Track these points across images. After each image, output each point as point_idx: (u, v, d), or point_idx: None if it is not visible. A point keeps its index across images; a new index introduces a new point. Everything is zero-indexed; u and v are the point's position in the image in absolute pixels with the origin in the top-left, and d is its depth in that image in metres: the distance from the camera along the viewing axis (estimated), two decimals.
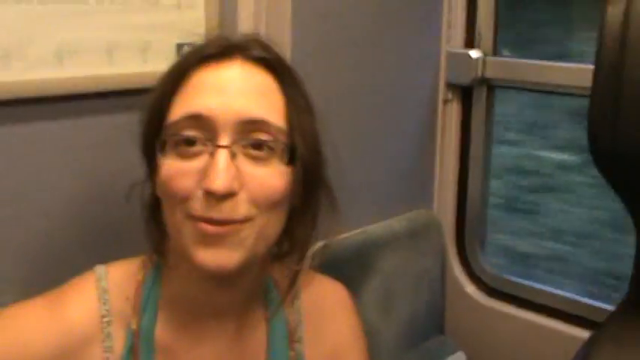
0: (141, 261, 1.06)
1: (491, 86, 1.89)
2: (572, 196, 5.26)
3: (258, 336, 1.10)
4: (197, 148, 0.92)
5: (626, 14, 0.98)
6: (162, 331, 1.04)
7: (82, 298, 1.02)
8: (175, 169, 0.92)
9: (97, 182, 1.28)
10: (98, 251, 1.16)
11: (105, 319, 1.02)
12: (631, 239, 1.11)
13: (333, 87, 1.62)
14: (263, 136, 0.93)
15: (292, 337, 1.13)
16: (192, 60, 0.97)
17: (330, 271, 1.21)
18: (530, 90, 1.91)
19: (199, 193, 0.91)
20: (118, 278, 1.05)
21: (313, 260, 1.07)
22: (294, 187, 0.97)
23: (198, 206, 0.91)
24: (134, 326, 1.03)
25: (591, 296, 1.80)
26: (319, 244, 1.08)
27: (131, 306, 1.03)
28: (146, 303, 1.04)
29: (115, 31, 1.25)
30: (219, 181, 0.89)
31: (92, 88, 1.24)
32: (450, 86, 1.92)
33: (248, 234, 0.93)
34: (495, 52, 1.88)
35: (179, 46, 1.32)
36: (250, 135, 0.93)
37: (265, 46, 1.00)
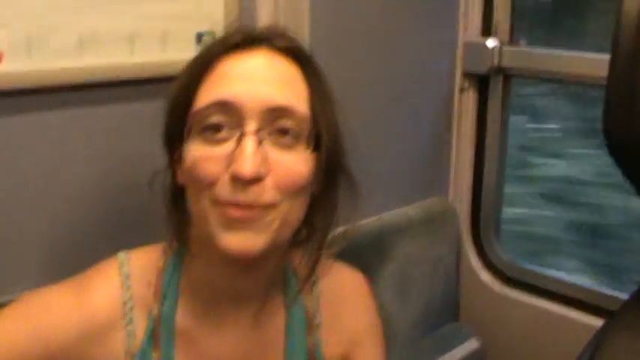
0: (162, 248, 1.08)
1: (507, 75, 1.89)
2: None
3: (277, 323, 1.12)
4: (223, 134, 0.94)
5: None
6: (182, 317, 1.06)
7: (105, 284, 1.04)
8: (202, 154, 0.94)
9: (118, 169, 1.30)
10: (119, 238, 1.18)
11: (127, 305, 1.04)
12: None
13: (351, 76, 1.63)
14: (288, 124, 0.95)
15: (310, 324, 1.14)
16: (218, 49, 0.98)
17: (347, 258, 1.22)
18: (546, 79, 1.91)
19: (226, 178, 0.92)
20: (140, 265, 1.06)
21: (332, 247, 1.08)
22: (317, 174, 0.99)
23: (224, 191, 0.92)
24: (155, 312, 1.04)
25: None
26: (338, 230, 1.09)
27: (152, 292, 1.05)
28: (167, 289, 1.06)
29: (136, 21, 1.26)
30: (248, 166, 0.90)
31: (113, 76, 1.26)
32: (467, 75, 1.92)
33: (273, 219, 0.94)
34: (512, 41, 1.88)
35: (199, 35, 1.33)
36: (276, 122, 0.94)
37: (288, 37, 1.02)
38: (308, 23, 1.48)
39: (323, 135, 0.98)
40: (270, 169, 0.93)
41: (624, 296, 1.58)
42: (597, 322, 1.64)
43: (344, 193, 1.06)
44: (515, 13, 1.88)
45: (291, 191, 0.95)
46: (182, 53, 1.04)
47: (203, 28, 1.33)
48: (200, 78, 0.98)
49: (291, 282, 1.14)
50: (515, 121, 2.80)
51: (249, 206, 0.92)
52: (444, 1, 1.87)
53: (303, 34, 1.45)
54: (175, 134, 0.99)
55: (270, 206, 0.94)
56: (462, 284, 2.02)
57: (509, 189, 2.06)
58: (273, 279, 1.08)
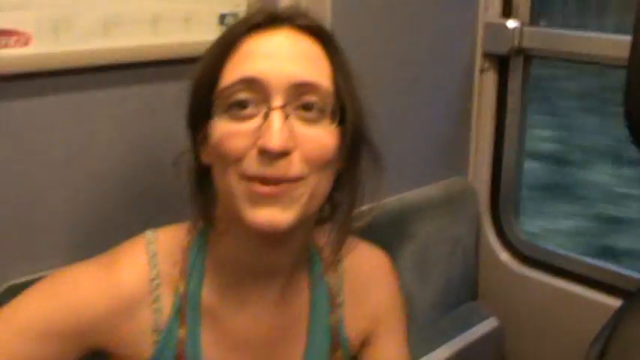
0: (187, 227, 1.10)
1: (527, 56, 1.89)
2: None
3: (300, 300, 1.14)
4: (250, 110, 0.95)
5: None
6: (207, 295, 1.08)
7: (133, 261, 1.06)
8: (229, 130, 0.96)
9: (143, 149, 1.32)
10: (144, 217, 1.20)
11: (154, 282, 1.05)
12: None
13: (372, 57, 1.64)
14: (313, 99, 0.96)
15: (334, 302, 1.16)
16: (241, 29, 1.00)
17: (368, 238, 1.23)
18: (566, 60, 1.91)
19: (253, 153, 0.94)
20: (167, 243, 1.08)
21: (355, 225, 1.10)
22: (342, 149, 1.00)
23: (252, 165, 0.94)
24: (181, 290, 1.06)
25: None
26: (362, 208, 1.10)
27: (179, 270, 1.07)
28: (192, 267, 1.07)
29: (159, 3, 1.28)
30: (276, 140, 0.92)
31: (137, 58, 1.27)
32: (487, 56, 1.92)
33: (302, 193, 0.96)
34: (532, 21, 1.87)
35: (222, 17, 1.34)
36: (301, 98, 0.96)
37: (309, 16, 1.03)
38: (330, 5, 1.49)
39: (347, 109, 1.00)
40: (297, 143, 0.95)
41: None
42: (615, 303, 1.66)
43: (368, 170, 1.07)
44: None
45: (318, 164, 0.97)
46: (205, 34, 1.05)
47: (226, 9, 1.35)
48: (224, 57, 0.99)
49: (315, 260, 1.15)
50: None
51: (276, 182, 0.94)
52: None
53: (325, 16, 1.46)
54: (200, 113, 1.00)
55: (298, 180, 0.95)
56: (480, 264, 2.03)
57: None
58: (298, 256, 1.10)
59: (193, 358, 1.07)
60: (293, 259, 1.09)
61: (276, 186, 0.94)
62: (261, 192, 0.94)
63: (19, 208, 1.20)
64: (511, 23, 1.85)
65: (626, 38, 1.17)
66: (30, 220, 1.22)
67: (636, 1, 1.08)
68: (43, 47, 1.16)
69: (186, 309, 1.07)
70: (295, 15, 1.02)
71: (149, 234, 1.09)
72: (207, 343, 1.08)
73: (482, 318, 1.93)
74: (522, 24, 1.85)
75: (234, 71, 0.97)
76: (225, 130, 0.96)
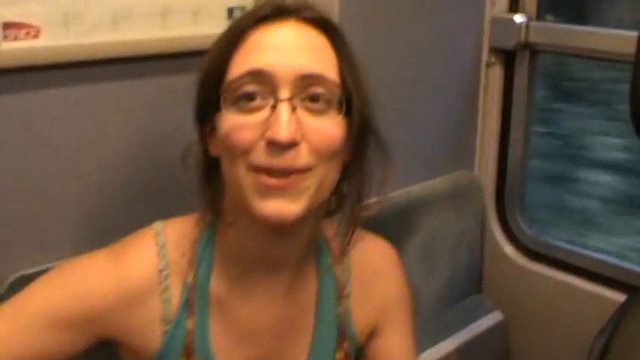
0: (196, 218, 1.11)
1: (534, 51, 1.89)
2: None
3: (308, 291, 1.15)
4: (257, 102, 0.96)
5: None
6: (216, 286, 1.09)
7: (142, 252, 1.07)
8: (237, 122, 0.97)
9: (152, 141, 1.33)
10: (153, 208, 1.21)
11: (163, 273, 1.06)
12: None
13: (379, 51, 1.65)
14: (320, 90, 0.97)
15: (341, 293, 1.17)
16: (248, 22, 1.01)
17: (374, 230, 1.24)
18: (573, 55, 1.91)
19: (261, 145, 0.95)
20: (175, 234, 1.09)
21: (362, 216, 1.10)
22: (349, 140, 1.01)
23: (260, 157, 0.95)
24: (190, 280, 1.07)
25: None
26: (369, 201, 1.11)
27: (187, 261, 1.08)
28: (201, 258, 1.08)
29: None
30: (284, 132, 0.93)
31: (147, 50, 1.28)
32: (493, 50, 1.93)
33: (310, 183, 0.97)
34: (539, 16, 1.88)
35: (230, 10, 1.35)
36: (308, 89, 0.97)
37: (315, 9, 1.04)
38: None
39: (353, 100, 1.01)
40: (305, 134, 0.96)
41: None
42: (620, 297, 1.67)
43: (375, 161, 1.08)
44: None
45: (326, 155, 0.98)
46: (214, 28, 1.06)
47: (234, 2, 1.35)
48: (232, 50, 1.00)
49: (323, 251, 1.17)
50: None
51: (284, 174, 0.95)
52: None
53: (333, 9, 1.46)
54: (208, 106, 1.01)
55: (306, 170, 0.96)
56: (485, 257, 2.04)
57: None
58: (306, 247, 1.11)
59: (202, 348, 1.08)
60: (301, 250, 1.10)
61: (284, 178, 0.95)
62: (270, 184, 0.95)
63: (28, 199, 1.21)
64: (518, 18, 1.85)
65: (633, 33, 1.18)
66: (39, 211, 1.23)
67: None
68: (52, 40, 1.17)
69: (195, 299, 1.08)
70: (301, 7, 1.02)
71: (158, 225, 1.10)
72: (216, 333, 1.09)
73: (487, 311, 1.93)
74: (529, 19, 1.86)
75: (241, 64, 0.98)
76: (233, 122, 0.97)
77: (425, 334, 1.32)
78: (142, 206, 1.31)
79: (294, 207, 0.96)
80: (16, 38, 1.13)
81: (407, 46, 1.74)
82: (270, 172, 0.95)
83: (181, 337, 1.07)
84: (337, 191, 1.08)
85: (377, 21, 1.65)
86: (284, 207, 0.96)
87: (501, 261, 2.00)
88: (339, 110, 0.99)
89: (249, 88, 0.97)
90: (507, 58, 1.94)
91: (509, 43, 1.88)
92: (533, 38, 1.86)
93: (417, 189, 1.81)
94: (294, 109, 0.95)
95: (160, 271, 1.07)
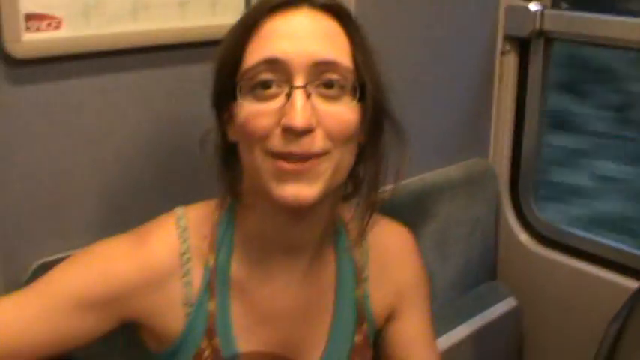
0: (216, 203, 1.13)
1: (548, 39, 1.89)
2: None
3: (327, 274, 1.17)
4: (273, 90, 0.98)
5: None
6: (236, 269, 1.11)
7: (164, 236, 1.09)
8: (254, 110, 0.99)
9: (171, 129, 1.34)
10: (171, 195, 1.23)
11: (185, 256, 1.09)
12: None
13: (395, 39, 1.66)
14: (334, 76, 0.99)
15: (359, 277, 1.19)
16: (262, 10, 1.02)
17: (389, 217, 1.26)
18: (588, 43, 1.91)
19: (278, 132, 0.97)
20: (196, 218, 1.12)
21: (380, 198, 1.12)
22: (363, 123, 1.03)
23: (277, 143, 0.97)
24: (211, 263, 1.10)
25: None
26: (388, 187, 1.12)
27: (208, 244, 1.10)
28: (221, 242, 1.11)
29: None
30: (299, 118, 0.95)
31: (165, 40, 1.30)
32: (508, 38, 1.93)
33: (326, 168, 0.99)
34: (554, 4, 1.88)
35: (247, 0, 1.36)
36: (322, 75, 0.99)
37: None
38: None
39: (367, 84, 1.02)
40: (320, 120, 0.98)
41: None
42: (633, 284, 1.67)
43: (391, 144, 1.09)
44: None
45: (341, 139, 1.00)
46: (231, 17, 1.07)
47: None
48: (246, 38, 1.02)
49: (341, 233, 1.19)
50: None
51: (301, 159, 0.97)
52: None
53: None
54: (225, 94, 1.03)
55: (322, 155, 0.98)
56: (500, 244, 2.05)
57: None
58: (324, 230, 1.13)
59: (224, 329, 1.10)
60: (318, 233, 1.12)
61: (301, 163, 0.97)
62: (287, 169, 0.97)
63: (50, 188, 1.23)
64: (532, 6, 1.86)
65: None
66: (62, 199, 1.25)
67: None
68: (74, 31, 1.19)
69: (216, 282, 1.10)
70: None
71: (179, 210, 1.12)
72: (237, 315, 1.11)
73: (501, 297, 1.94)
74: (544, 7, 1.86)
75: (256, 52, 1.00)
76: (250, 110, 0.99)
77: (440, 320, 1.33)
78: (161, 193, 1.33)
79: (311, 190, 0.98)
80: (38, 29, 1.15)
81: (422, 34, 1.76)
82: (287, 157, 0.97)
83: (203, 319, 1.09)
84: (354, 175, 1.09)
85: (393, 8, 1.66)
86: (301, 191, 0.98)
87: (515, 248, 2.01)
88: (353, 95, 1.01)
89: (265, 76, 0.98)
90: (522, 46, 1.94)
91: (523, 32, 1.89)
92: (547, 26, 1.86)
93: (432, 176, 1.82)
94: (308, 95, 0.97)
95: (182, 254, 1.09)
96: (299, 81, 0.97)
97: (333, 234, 1.17)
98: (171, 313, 1.09)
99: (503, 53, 1.95)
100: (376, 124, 1.06)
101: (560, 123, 4.03)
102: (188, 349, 1.10)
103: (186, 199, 1.16)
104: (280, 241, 1.10)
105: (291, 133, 0.96)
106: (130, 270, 1.06)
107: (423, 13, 1.74)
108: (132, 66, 1.28)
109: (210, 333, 1.10)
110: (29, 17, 1.14)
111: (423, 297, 1.28)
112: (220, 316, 1.10)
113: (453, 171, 1.88)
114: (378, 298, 1.21)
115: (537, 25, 1.86)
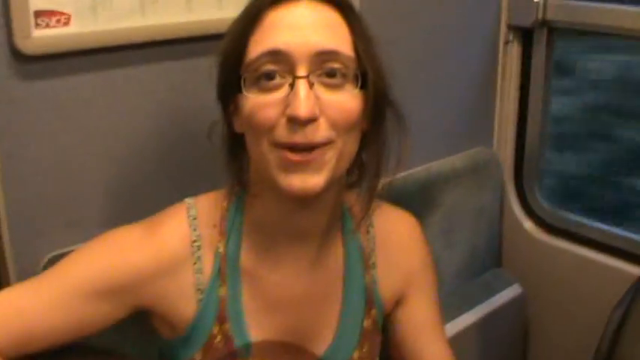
0: (224, 193, 1.15)
1: (552, 28, 1.90)
2: None
3: (335, 261, 1.19)
4: (276, 81, 1.00)
5: None
6: (246, 256, 1.13)
7: (175, 225, 1.12)
8: (259, 102, 1.01)
9: (179, 122, 1.36)
10: (180, 187, 1.24)
11: (195, 244, 1.11)
12: None
13: (398, 28, 1.67)
14: (335, 65, 1.01)
15: (367, 263, 1.21)
16: (263, 2, 1.04)
17: (396, 205, 1.28)
18: (591, 33, 1.91)
19: (283, 122, 0.99)
20: (206, 208, 1.14)
21: (383, 182, 1.14)
22: (366, 111, 1.05)
23: (282, 133, 0.99)
24: (221, 251, 1.12)
25: None
26: (390, 176, 1.14)
27: (218, 232, 1.13)
28: (231, 230, 1.13)
29: None
30: (303, 108, 0.97)
31: (173, 34, 1.32)
32: (511, 28, 1.94)
33: (331, 156, 1.01)
34: None
35: None
36: (324, 65, 1.01)
37: None
38: None
39: (368, 72, 1.04)
40: (323, 109, 1.00)
41: None
42: (637, 271, 1.68)
43: (393, 132, 1.11)
44: None
45: (344, 127, 1.02)
46: (237, 11, 1.08)
47: None
48: (249, 31, 1.03)
49: (348, 222, 1.20)
50: None
51: (306, 149, 0.99)
52: None
53: None
54: (230, 86, 1.05)
55: (326, 144, 1.00)
56: (505, 232, 2.06)
57: None
58: (330, 217, 1.14)
59: (235, 315, 1.12)
60: (325, 220, 1.14)
61: (306, 153, 0.99)
62: (293, 159, 0.99)
63: (62, 182, 1.25)
64: None
65: None
66: (73, 192, 1.26)
67: None
68: (82, 27, 1.20)
69: (226, 269, 1.12)
70: None
71: (189, 200, 1.15)
72: (248, 300, 1.13)
73: (507, 284, 1.95)
74: None
75: (259, 44, 1.02)
76: (254, 102, 1.01)
77: (446, 308, 1.35)
78: (170, 185, 1.35)
79: (317, 179, 1.01)
80: (47, 26, 1.16)
81: (426, 24, 1.76)
82: (292, 148, 0.99)
83: (215, 305, 1.11)
84: (358, 162, 1.11)
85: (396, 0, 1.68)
86: (307, 180, 1.00)
87: (520, 235, 2.02)
88: (355, 84, 1.03)
89: (268, 67, 1.00)
90: (525, 35, 1.95)
91: (526, 21, 1.89)
92: (550, 16, 1.86)
93: (437, 165, 1.83)
94: (311, 85, 0.99)
95: (193, 242, 1.11)
96: (302, 71, 0.99)
97: (340, 221, 1.19)
98: (183, 299, 1.11)
99: (506, 43, 1.95)
100: (378, 112, 1.08)
101: None
102: (200, 335, 1.12)
103: (195, 190, 1.18)
104: (288, 229, 1.12)
105: (296, 123, 0.98)
106: (144, 259, 1.09)
107: (426, 2, 1.75)
108: (140, 60, 1.29)
109: (221, 318, 1.12)
110: (38, 14, 1.15)
111: (431, 283, 1.30)
112: (231, 302, 1.12)
113: (457, 160, 1.90)
114: (386, 284, 1.23)
115: (540, 15, 1.86)
